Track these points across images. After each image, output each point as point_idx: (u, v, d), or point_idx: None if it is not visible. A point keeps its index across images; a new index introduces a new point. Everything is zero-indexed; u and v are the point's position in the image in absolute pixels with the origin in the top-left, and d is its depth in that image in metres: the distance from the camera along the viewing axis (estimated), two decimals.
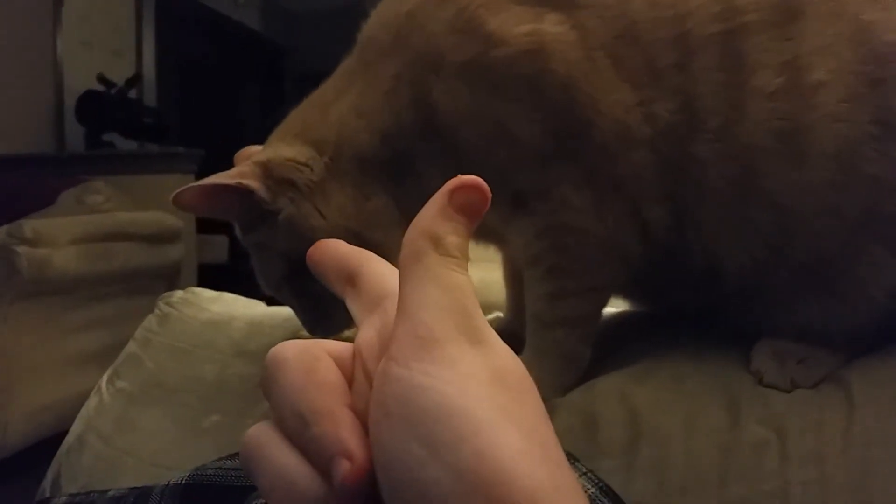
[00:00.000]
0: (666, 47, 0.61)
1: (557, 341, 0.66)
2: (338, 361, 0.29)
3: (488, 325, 0.27)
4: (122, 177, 3.04)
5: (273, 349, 0.28)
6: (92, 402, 0.80)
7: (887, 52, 0.57)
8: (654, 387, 0.63)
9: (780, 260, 0.62)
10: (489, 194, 0.28)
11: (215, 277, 1.54)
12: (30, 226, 2.20)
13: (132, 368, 0.81)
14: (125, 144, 3.67)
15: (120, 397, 0.78)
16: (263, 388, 0.28)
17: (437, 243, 0.27)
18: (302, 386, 0.27)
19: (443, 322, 0.26)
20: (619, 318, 0.79)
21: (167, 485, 0.53)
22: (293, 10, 6.02)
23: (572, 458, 0.51)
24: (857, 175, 0.58)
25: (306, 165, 0.67)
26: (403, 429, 0.24)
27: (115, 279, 2.53)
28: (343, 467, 0.24)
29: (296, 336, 0.76)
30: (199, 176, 1.11)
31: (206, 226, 3.12)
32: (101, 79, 3.53)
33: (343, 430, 0.25)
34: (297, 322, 0.73)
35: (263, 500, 0.47)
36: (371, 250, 0.33)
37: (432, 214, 0.28)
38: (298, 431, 0.26)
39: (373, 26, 0.71)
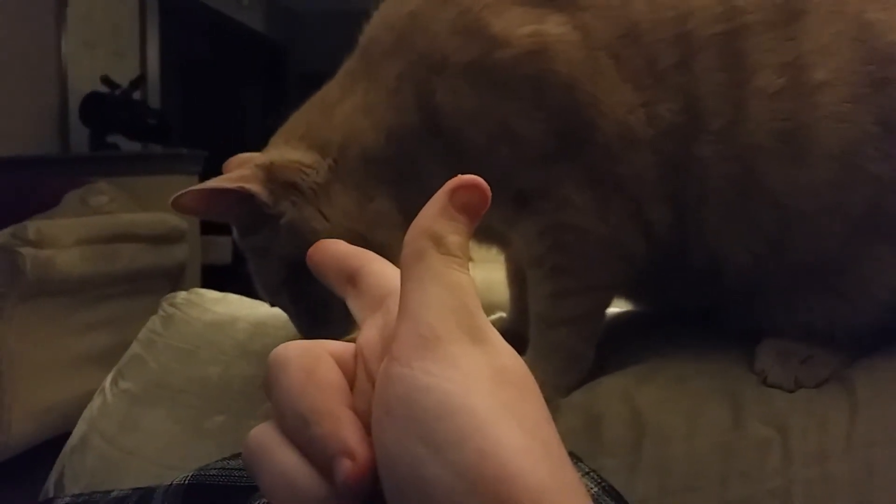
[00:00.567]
0: (667, 48, 0.61)
1: (561, 341, 0.66)
2: (339, 362, 0.29)
3: (490, 324, 0.27)
4: (126, 178, 3.04)
5: (275, 350, 0.29)
6: (96, 402, 0.80)
7: (889, 52, 0.57)
8: (657, 386, 0.63)
9: (782, 259, 0.62)
10: (489, 193, 0.28)
11: (219, 278, 1.54)
12: (34, 227, 2.20)
13: (136, 369, 0.81)
14: (129, 146, 3.68)
15: (124, 398, 0.78)
16: (266, 389, 0.28)
17: (438, 242, 0.27)
18: (303, 386, 0.27)
19: (445, 321, 0.26)
20: (621, 318, 0.79)
21: (170, 485, 0.53)
22: (296, 11, 6.03)
23: (575, 457, 0.51)
24: (859, 175, 0.57)
25: (311, 168, 0.67)
26: (406, 428, 0.24)
27: (119, 280, 2.53)
28: (345, 466, 0.24)
29: (298, 337, 0.76)
30: (203, 177, 1.11)
31: (209, 227, 3.13)
32: (105, 80, 3.54)
33: (344, 430, 0.25)
34: None
35: (266, 501, 0.48)
36: (374, 251, 0.33)
37: (433, 214, 0.28)
38: (300, 431, 0.26)
39: (375, 27, 0.71)
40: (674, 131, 0.61)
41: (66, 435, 0.80)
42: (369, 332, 0.29)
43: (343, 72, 0.72)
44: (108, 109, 3.53)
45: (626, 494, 0.48)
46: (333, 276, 0.34)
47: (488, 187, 0.28)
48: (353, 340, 0.30)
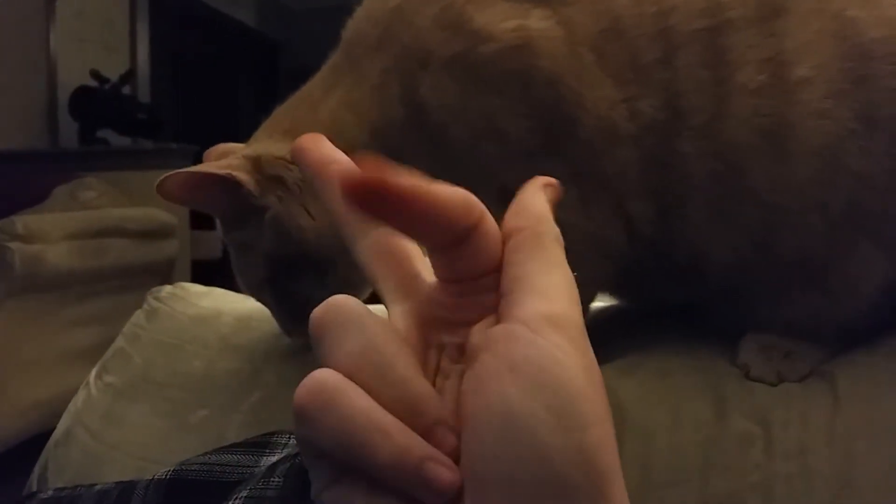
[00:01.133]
0: (650, 43, 0.61)
1: None
2: None
3: None
4: (116, 173, 3.04)
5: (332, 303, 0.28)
6: (80, 396, 0.80)
7: (870, 49, 0.57)
8: (639, 381, 0.63)
9: (765, 255, 0.62)
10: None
11: (209, 273, 1.54)
12: (22, 221, 2.20)
13: (120, 363, 0.81)
14: (118, 140, 3.67)
15: (108, 392, 0.78)
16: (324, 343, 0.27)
17: (556, 232, 0.29)
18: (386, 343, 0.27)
19: (571, 307, 0.27)
20: (605, 313, 0.79)
21: (152, 479, 0.53)
22: (288, 6, 6.01)
23: None
24: (841, 171, 0.58)
25: (295, 164, 0.67)
26: (533, 391, 0.24)
27: (108, 275, 2.53)
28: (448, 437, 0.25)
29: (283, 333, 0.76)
30: None
31: (199, 222, 3.12)
32: (95, 74, 3.53)
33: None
34: None
35: (246, 494, 0.48)
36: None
37: (543, 202, 0.30)
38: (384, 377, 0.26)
39: (359, 22, 0.71)
40: (656, 127, 0.61)
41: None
42: (398, 319, 0.29)
43: (327, 67, 0.72)
44: (97, 104, 3.52)
45: None
46: (343, 212, 0.31)
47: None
48: None
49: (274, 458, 0.52)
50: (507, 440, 0.24)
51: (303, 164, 0.32)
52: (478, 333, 0.27)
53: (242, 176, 0.65)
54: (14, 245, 2.14)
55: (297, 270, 0.67)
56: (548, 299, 0.26)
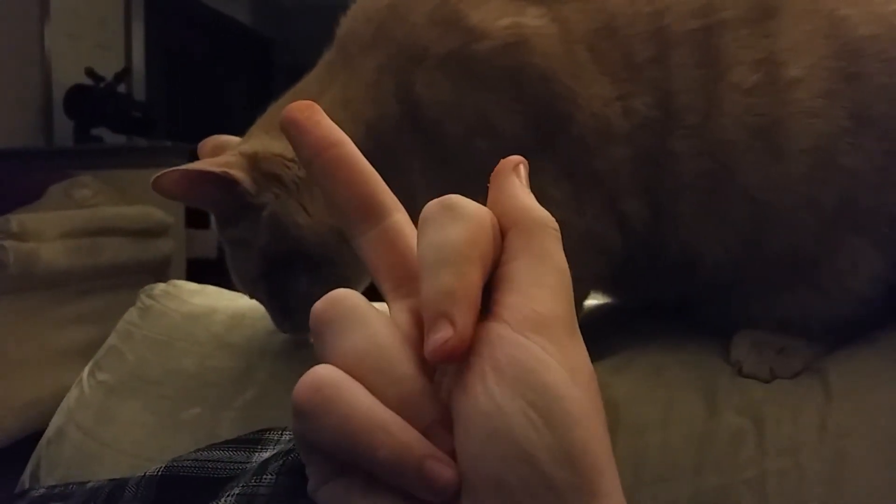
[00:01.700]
0: (644, 42, 0.61)
1: None
2: None
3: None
4: (111, 171, 3.03)
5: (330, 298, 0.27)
6: (73, 394, 0.80)
7: (861, 47, 0.57)
8: (632, 377, 0.63)
9: (757, 252, 0.62)
10: None
11: (204, 272, 1.53)
12: (17, 220, 2.19)
13: (113, 361, 0.81)
14: (113, 139, 3.66)
15: (100, 389, 0.78)
16: (324, 338, 0.27)
17: (546, 219, 0.29)
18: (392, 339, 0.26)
19: (558, 305, 0.26)
20: (598, 311, 0.79)
21: (143, 476, 0.53)
22: (282, 4, 6.01)
23: None
24: (833, 169, 0.58)
25: (293, 161, 0.67)
26: (517, 389, 0.24)
27: (103, 274, 2.52)
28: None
29: (277, 330, 0.76)
30: None
31: (194, 220, 3.11)
32: (90, 73, 3.52)
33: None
34: None
35: (238, 491, 0.48)
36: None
37: (525, 193, 0.30)
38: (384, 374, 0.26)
39: (353, 19, 0.71)
40: (649, 125, 0.61)
41: None
42: (400, 316, 0.28)
43: (322, 64, 0.72)
44: (92, 102, 3.52)
45: None
46: (344, 197, 0.30)
47: None
48: None
49: (266, 455, 0.52)
50: (492, 440, 0.24)
51: (298, 143, 0.31)
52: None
53: (239, 174, 0.65)
54: (8, 243, 2.13)
55: (292, 267, 0.67)
56: (532, 299, 0.26)
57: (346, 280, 0.66)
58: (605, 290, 0.77)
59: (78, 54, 3.74)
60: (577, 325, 0.27)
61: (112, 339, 0.84)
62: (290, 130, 0.31)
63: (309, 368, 0.26)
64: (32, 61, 3.58)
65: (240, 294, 0.90)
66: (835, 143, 0.57)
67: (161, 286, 0.90)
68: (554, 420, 0.24)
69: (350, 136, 0.66)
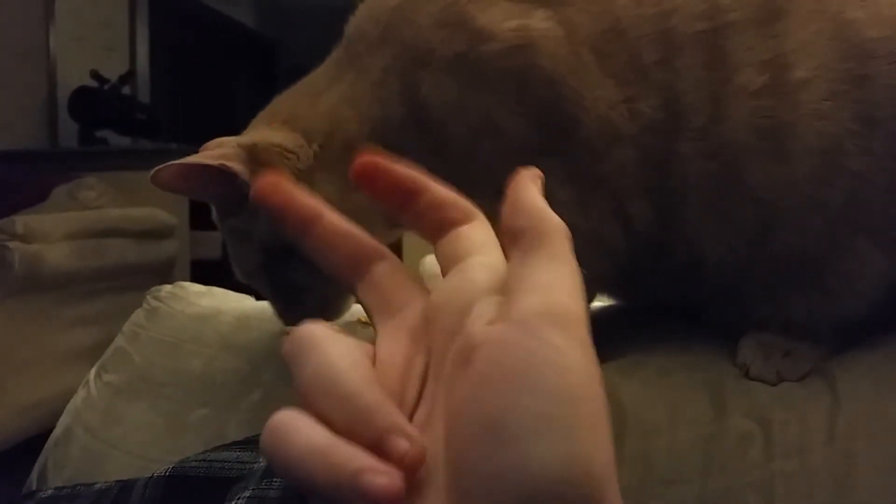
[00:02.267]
0: (650, 44, 0.61)
1: None
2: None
3: None
4: (115, 173, 3.03)
5: (298, 331, 0.28)
6: (80, 395, 0.80)
7: (867, 49, 0.57)
8: (639, 380, 0.63)
9: (763, 254, 0.62)
10: None
11: (208, 273, 1.54)
12: (22, 221, 2.19)
13: (120, 362, 0.81)
14: (118, 140, 3.66)
15: (107, 391, 0.78)
16: (293, 365, 0.27)
17: (558, 224, 0.28)
18: (349, 367, 0.26)
19: (574, 303, 0.26)
20: (605, 313, 0.79)
21: (151, 477, 0.53)
22: (287, 6, 6.01)
23: None
24: (839, 170, 0.58)
25: (293, 153, 0.67)
26: (519, 395, 0.23)
27: (108, 275, 2.52)
28: (401, 444, 0.24)
29: (283, 332, 0.76)
30: None
31: (199, 222, 3.11)
32: (95, 75, 3.52)
33: (394, 412, 0.25)
34: None
35: (249, 494, 0.48)
36: None
37: (539, 198, 0.30)
38: (340, 408, 0.25)
39: (361, 19, 0.71)
40: (655, 127, 0.61)
41: None
42: (390, 344, 0.29)
43: (329, 62, 0.72)
44: (97, 104, 3.52)
45: None
46: (336, 259, 0.32)
47: None
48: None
49: None
50: (491, 449, 0.23)
51: (280, 219, 0.33)
52: (476, 335, 0.27)
53: (236, 166, 0.65)
54: (14, 245, 2.13)
55: (292, 258, 0.67)
56: (547, 293, 0.26)
57: None
58: (611, 291, 0.77)
59: (83, 56, 3.74)
60: (589, 325, 0.27)
61: (119, 341, 0.84)
62: (267, 206, 0.32)
63: None
64: (37, 63, 3.59)
65: (245, 295, 0.90)
66: (841, 144, 0.57)
67: (168, 288, 0.91)
68: (558, 427, 0.23)
69: (356, 135, 0.67)
